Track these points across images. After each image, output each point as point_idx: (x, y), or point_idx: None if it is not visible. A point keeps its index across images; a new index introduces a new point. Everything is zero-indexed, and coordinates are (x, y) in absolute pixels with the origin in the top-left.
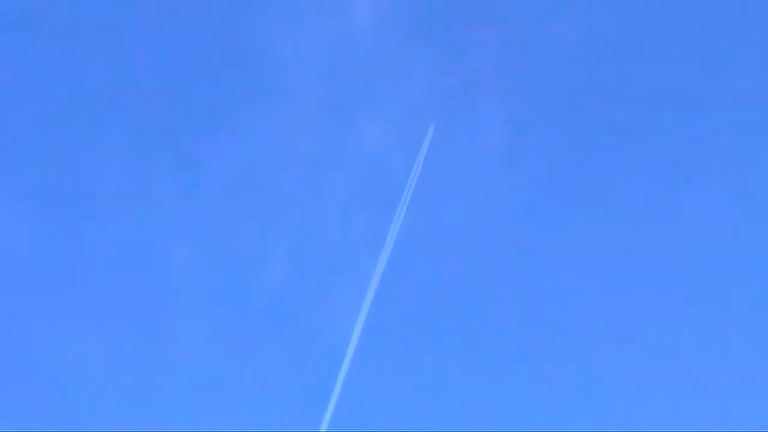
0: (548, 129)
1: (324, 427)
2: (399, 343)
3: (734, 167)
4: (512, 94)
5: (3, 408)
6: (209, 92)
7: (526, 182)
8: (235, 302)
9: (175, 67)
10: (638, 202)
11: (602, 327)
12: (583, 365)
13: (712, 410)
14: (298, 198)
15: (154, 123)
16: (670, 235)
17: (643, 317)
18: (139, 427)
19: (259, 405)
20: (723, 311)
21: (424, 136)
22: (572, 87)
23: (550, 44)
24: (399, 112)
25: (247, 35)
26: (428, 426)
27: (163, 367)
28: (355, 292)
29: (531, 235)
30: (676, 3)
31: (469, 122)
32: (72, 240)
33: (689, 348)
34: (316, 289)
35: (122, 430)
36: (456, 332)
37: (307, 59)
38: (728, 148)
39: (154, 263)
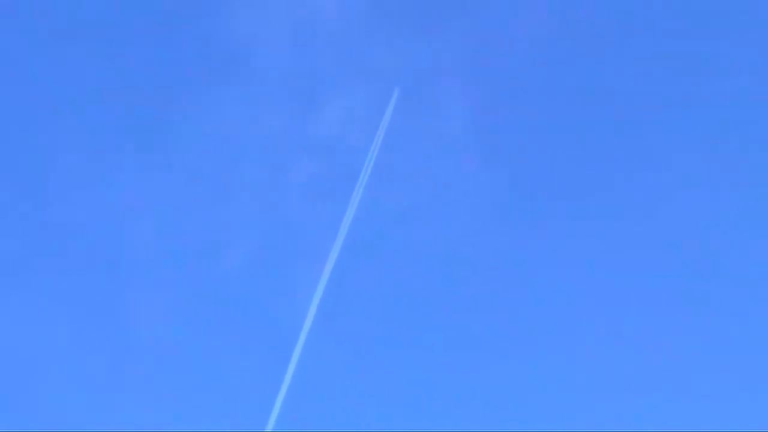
0: (511, 115)
1: (276, 408)
2: (353, 324)
3: (701, 159)
4: (477, 79)
5: None
6: (171, 74)
7: (486, 167)
8: (194, 282)
9: (137, 49)
10: (604, 188)
11: (565, 312)
12: (538, 349)
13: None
14: (260, 180)
15: (116, 104)
16: (636, 222)
17: (607, 309)
18: (98, 406)
19: (214, 384)
20: (689, 299)
21: (383, 121)
22: (540, 75)
23: (518, 31)
24: (362, 95)
25: (209, 17)
26: (378, 408)
27: (122, 345)
28: (312, 273)
29: (491, 221)
30: None
31: (431, 106)
32: (32, 220)
33: (652, 334)
34: (274, 270)
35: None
36: (410, 315)
37: (271, 42)
38: (695, 141)
39: (115, 244)
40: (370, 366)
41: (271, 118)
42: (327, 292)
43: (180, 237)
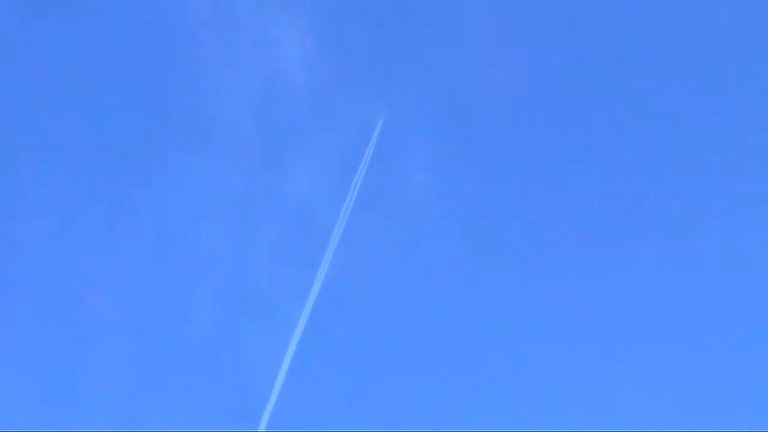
0: (483, 173)
1: None
2: (322, 391)
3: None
4: (448, 139)
5: None
6: (138, 137)
7: (457, 228)
8: (160, 348)
9: (104, 112)
10: (567, 240)
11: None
12: (511, 406)
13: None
14: (226, 243)
15: (81, 167)
16: (596, 275)
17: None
18: None
19: None
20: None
21: (352, 183)
22: (513, 136)
23: (491, 90)
24: (328, 159)
25: (178, 81)
26: None
27: (87, 410)
28: (280, 338)
29: (460, 280)
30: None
31: (398, 168)
32: None
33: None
34: (241, 335)
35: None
36: (380, 379)
37: (237, 106)
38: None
39: (80, 308)
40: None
41: (239, 178)
42: (296, 355)
43: (146, 299)
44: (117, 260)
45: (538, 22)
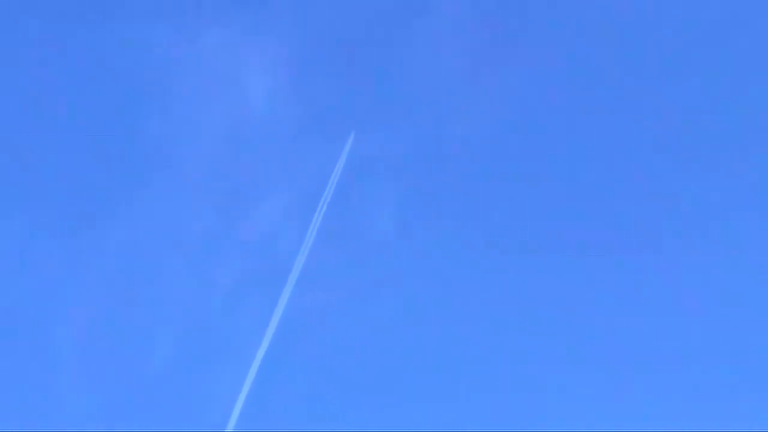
0: (442, 211)
1: None
2: (277, 426)
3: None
4: (410, 178)
5: None
6: (99, 172)
7: (415, 267)
8: (118, 381)
9: (65, 148)
10: (532, 284)
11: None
12: None
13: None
14: (186, 279)
15: (43, 202)
16: (559, 310)
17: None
18: None
19: None
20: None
21: (314, 220)
22: (472, 169)
23: (456, 132)
24: (290, 196)
25: (141, 116)
26: None
27: None
28: (237, 373)
29: (419, 319)
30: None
31: (360, 206)
32: None
33: None
34: (197, 372)
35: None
36: (336, 419)
37: (201, 142)
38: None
39: (40, 342)
40: None
41: (199, 218)
42: (250, 395)
43: (104, 336)
44: (76, 296)
45: (512, 53)
